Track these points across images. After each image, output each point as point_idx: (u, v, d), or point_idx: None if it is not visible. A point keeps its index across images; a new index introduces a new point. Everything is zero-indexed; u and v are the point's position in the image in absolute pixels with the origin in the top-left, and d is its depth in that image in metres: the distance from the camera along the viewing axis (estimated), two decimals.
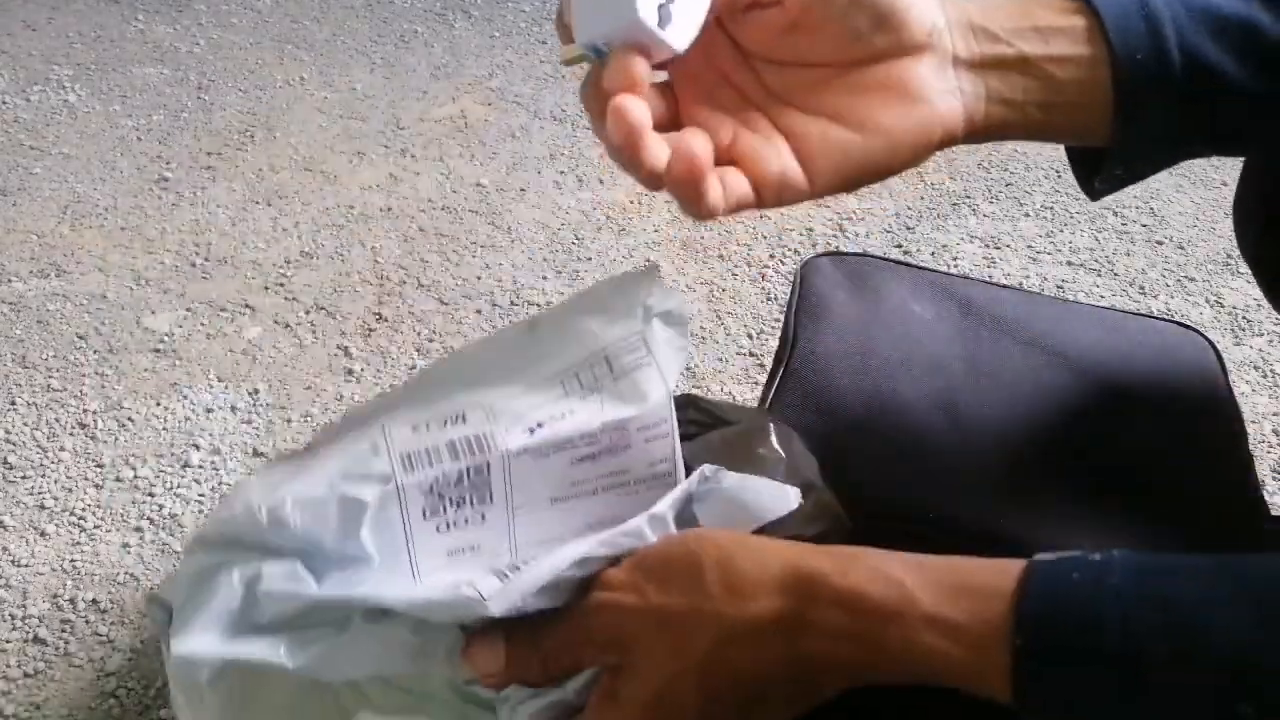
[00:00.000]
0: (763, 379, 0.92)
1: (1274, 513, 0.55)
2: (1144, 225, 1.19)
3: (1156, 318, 0.67)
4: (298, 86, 1.45)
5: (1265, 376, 0.98)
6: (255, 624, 0.41)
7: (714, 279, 1.08)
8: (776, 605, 0.37)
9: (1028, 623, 0.33)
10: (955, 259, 1.13)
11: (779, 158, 0.38)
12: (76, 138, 1.31)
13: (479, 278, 1.07)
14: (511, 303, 1.03)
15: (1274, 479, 0.87)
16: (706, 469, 0.43)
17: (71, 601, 0.72)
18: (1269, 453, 0.90)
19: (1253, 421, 0.92)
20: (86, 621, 0.71)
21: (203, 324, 1.00)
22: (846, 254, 0.71)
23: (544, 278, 1.08)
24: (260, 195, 1.20)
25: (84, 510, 0.79)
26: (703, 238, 1.15)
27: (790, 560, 0.38)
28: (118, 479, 0.82)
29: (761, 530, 0.43)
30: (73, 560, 0.75)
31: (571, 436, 0.44)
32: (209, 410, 0.89)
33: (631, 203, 1.21)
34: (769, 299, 1.05)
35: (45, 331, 0.98)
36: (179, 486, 0.81)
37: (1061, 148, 0.46)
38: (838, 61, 0.38)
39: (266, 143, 1.31)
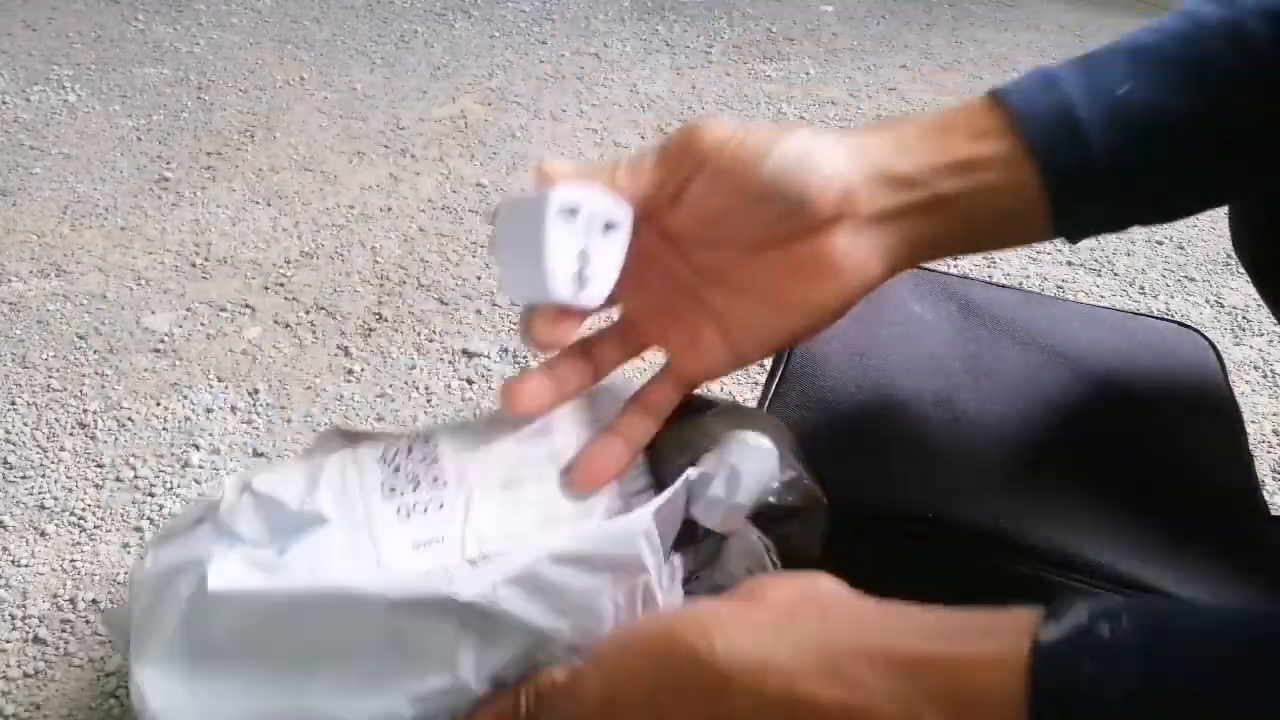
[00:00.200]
0: (763, 379, 0.92)
1: (1274, 513, 0.55)
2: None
3: (1156, 318, 0.67)
4: (298, 86, 1.45)
5: (1265, 376, 0.98)
6: (211, 644, 0.39)
7: None
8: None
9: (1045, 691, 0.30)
10: (955, 259, 1.12)
11: (706, 346, 0.43)
12: (76, 138, 1.31)
13: (479, 278, 1.07)
14: (511, 303, 1.03)
15: (1274, 479, 0.87)
16: (692, 472, 0.41)
17: (71, 601, 0.72)
18: (1269, 453, 0.90)
19: (1253, 421, 0.92)
20: (86, 621, 0.71)
21: (203, 324, 1.00)
22: None
23: None
24: (260, 195, 1.20)
25: (84, 510, 0.79)
26: None
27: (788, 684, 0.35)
28: (118, 479, 0.82)
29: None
30: (73, 560, 0.75)
31: (505, 419, 0.44)
32: (209, 410, 0.89)
33: None
34: None
35: (45, 331, 0.98)
36: (179, 486, 0.82)
37: None
38: (759, 243, 0.40)
39: (266, 143, 1.31)
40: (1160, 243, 1.16)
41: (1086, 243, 1.15)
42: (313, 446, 0.59)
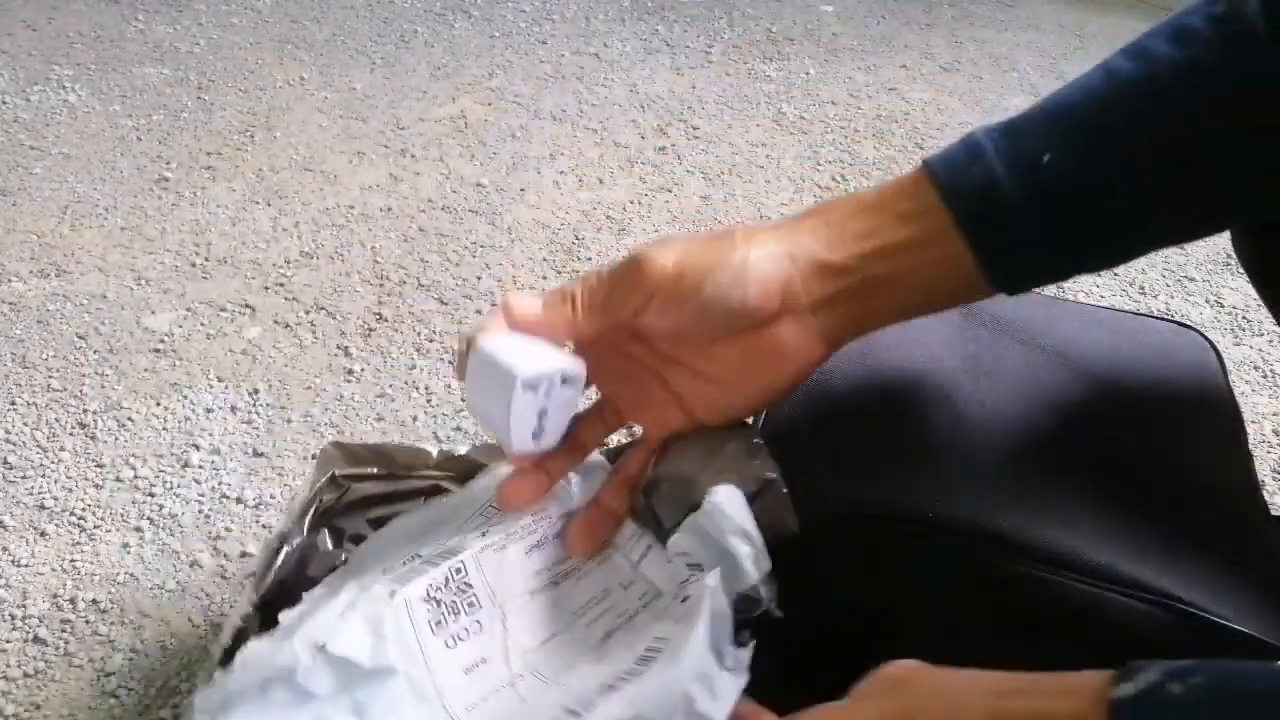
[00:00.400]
0: None
1: (1274, 513, 0.55)
2: None
3: (1156, 318, 0.67)
4: (298, 86, 1.45)
5: (1265, 376, 0.98)
6: None
7: None
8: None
9: None
10: None
11: (672, 417, 0.48)
12: (76, 138, 1.31)
13: (479, 278, 1.07)
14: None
15: (1274, 479, 0.87)
16: (710, 581, 0.44)
17: (71, 601, 0.72)
18: (1269, 453, 0.90)
19: (1253, 421, 0.92)
20: (86, 621, 0.71)
21: (203, 324, 1.00)
22: None
23: (544, 278, 1.08)
24: (260, 195, 1.20)
25: (84, 510, 0.79)
26: None
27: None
28: (118, 479, 0.82)
29: None
30: (73, 560, 0.75)
31: (515, 529, 0.49)
32: (209, 410, 0.89)
33: (631, 203, 1.21)
34: None
35: (45, 331, 0.98)
36: (179, 486, 0.82)
37: None
38: (715, 340, 0.45)
39: (266, 143, 1.31)
40: None
41: None
42: (313, 472, 0.60)
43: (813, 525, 0.48)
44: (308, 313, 1.02)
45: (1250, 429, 0.70)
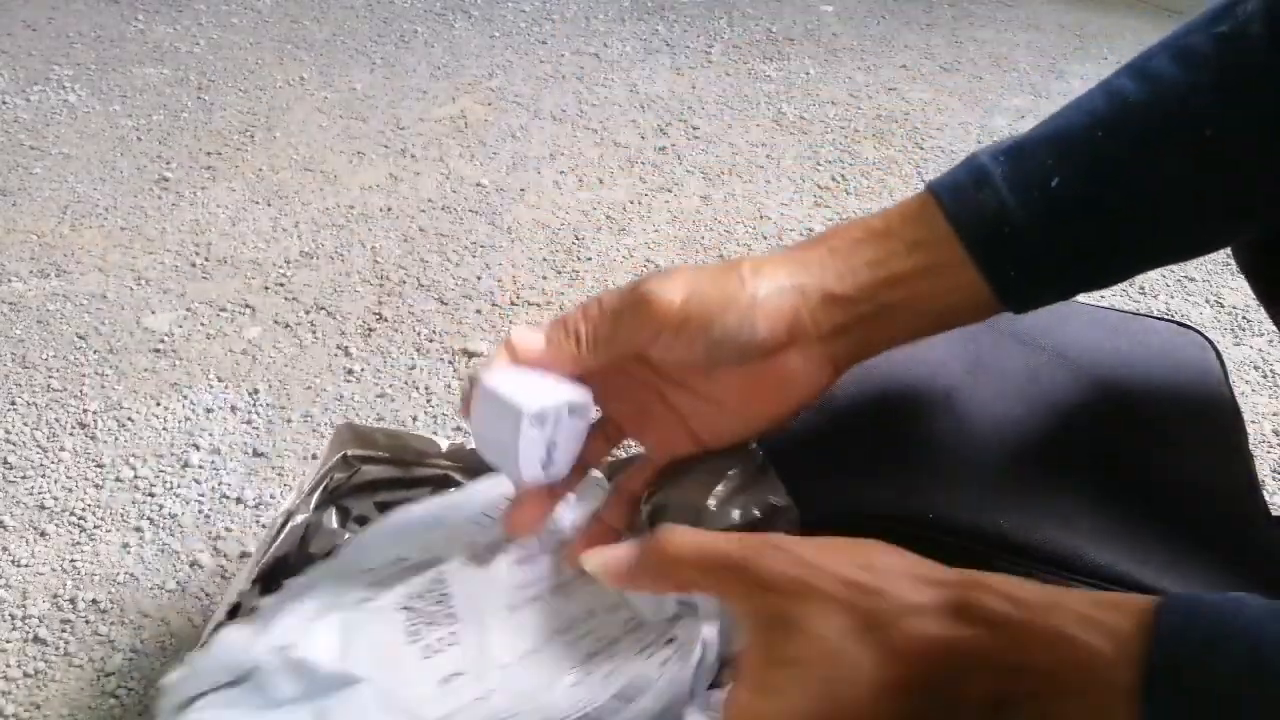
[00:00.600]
0: None
1: (1274, 513, 0.55)
2: None
3: (1156, 318, 0.67)
4: (298, 86, 1.45)
5: (1265, 376, 0.98)
6: None
7: None
8: (943, 592, 0.35)
9: (1168, 618, 0.32)
10: None
11: (675, 439, 0.48)
12: (76, 138, 1.31)
13: (479, 278, 1.07)
14: (511, 302, 1.03)
15: (1274, 479, 0.87)
16: (707, 630, 0.44)
17: (71, 601, 0.72)
18: (1269, 453, 0.90)
19: (1253, 421, 0.92)
20: (86, 621, 0.71)
21: (203, 324, 1.00)
22: None
23: (544, 278, 1.08)
24: (260, 195, 1.20)
25: (84, 510, 0.79)
26: (703, 238, 1.15)
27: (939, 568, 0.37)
28: (118, 479, 0.82)
29: None
30: (73, 560, 0.75)
31: (504, 541, 0.48)
32: (209, 410, 0.89)
33: (631, 203, 1.21)
34: None
35: (45, 331, 0.98)
36: (179, 486, 0.82)
37: None
38: (723, 370, 0.45)
39: (266, 143, 1.31)
40: None
41: None
42: (326, 450, 0.59)
43: (813, 526, 0.48)
44: (308, 313, 1.02)
45: (1250, 429, 0.70)
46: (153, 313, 1.01)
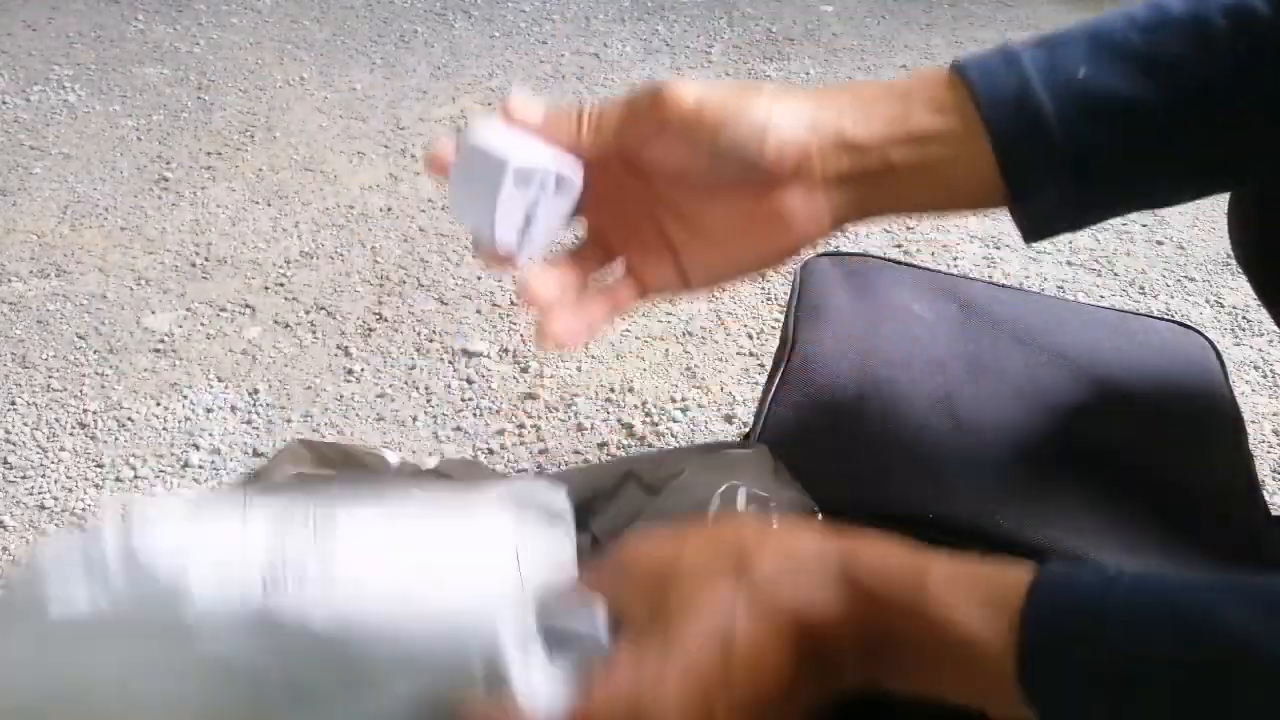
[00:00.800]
0: (763, 379, 0.92)
1: (1274, 513, 0.55)
2: (1144, 225, 1.19)
3: (1156, 318, 0.67)
4: (298, 86, 1.45)
5: (1265, 376, 0.98)
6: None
7: None
8: (829, 543, 0.39)
9: (1040, 592, 0.34)
10: (955, 259, 1.12)
11: (660, 270, 0.45)
12: (76, 138, 1.31)
13: (479, 278, 1.07)
14: (511, 302, 1.03)
15: (1274, 479, 0.87)
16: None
17: None
18: (1269, 453, 0.90)
19: (1253, 421, 0.92)
20: None
21: (203, 324, 1.00)
22: (846, 254, 0.71)
23: None
24: (260, 195, 1.20)
25: (84, 510, 0.79)
26: None
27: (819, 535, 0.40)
28: (118, 479, 0.82)
29: None
30: None
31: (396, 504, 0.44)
32: (209, 410, 0.89)
33: None
34: (769, 299, 1.05)
35: (45, 331, 0.98)
36: (179, 486, 0.82)
37: None
38: (717, 192, 0.43)
39: (266, 143, 1.31)
40: (1160, 243, 1.16)
41: (1086, 242, 1.15)
42: (272, 460, 0.56)
43: None
44: (308, 313, 1.02)
45: (1250, 429, 0.70)
46: (153, 313, 1.01)
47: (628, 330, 1.00)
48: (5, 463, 0.83)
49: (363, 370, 0.94)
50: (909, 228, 1.17)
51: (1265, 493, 0.57)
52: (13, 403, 0.89)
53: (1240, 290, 1.09)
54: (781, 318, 0.68)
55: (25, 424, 0.87)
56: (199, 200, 1.19)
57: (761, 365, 0.96)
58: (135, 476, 0.82)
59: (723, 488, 0.48)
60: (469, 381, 0.93)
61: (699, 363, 0.96)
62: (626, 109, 0.42)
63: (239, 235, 1.13)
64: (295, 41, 1.57)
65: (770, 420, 0.57)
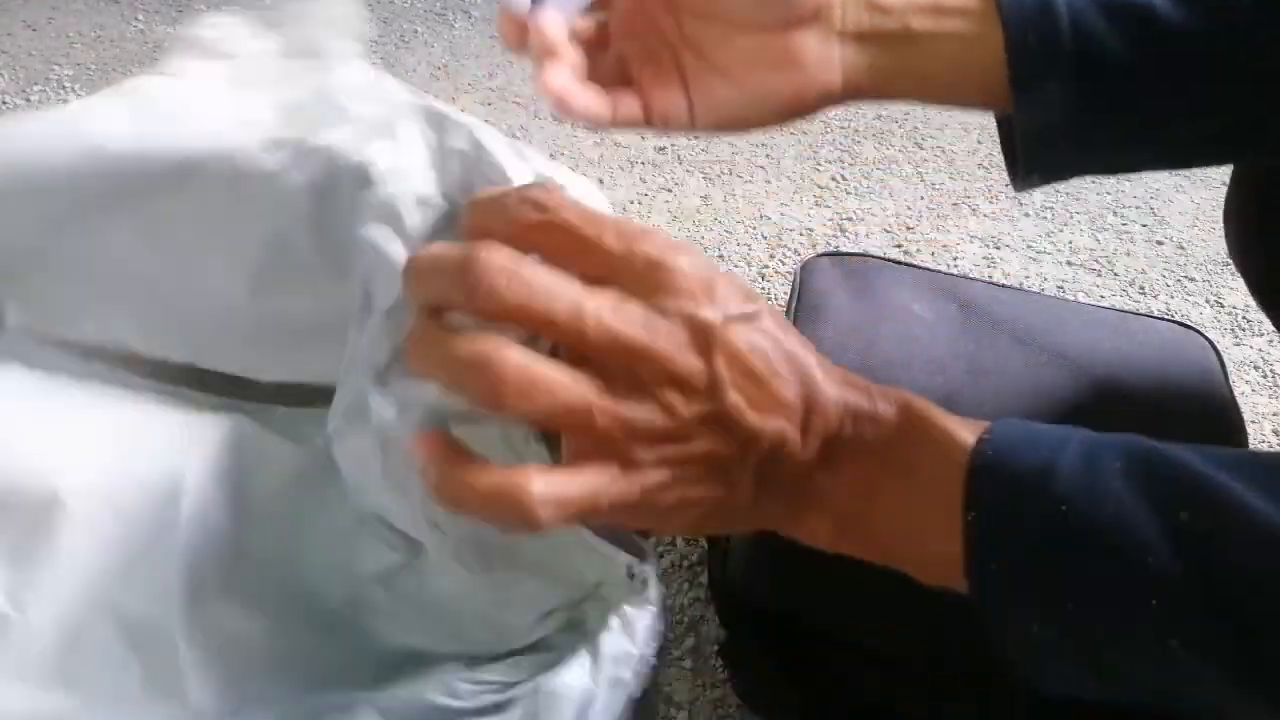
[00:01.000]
0: None
1: None
2: (1144, 225, 1.19)
3: (1156, 318, 0.68)
4: None
5: (1265, 376, 0.98)
6: None
7: None
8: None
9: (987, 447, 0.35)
10: (955, 259, 1.13)
11: (670, 98, 0.45)
12: None
13: None
14: None
15: None
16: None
17: None
18: None
19: (1253, 421, 0.92)
20: None
21: None
22: (846, 254, 0.71)
23: None
24: None
25: None
26: (703, 238, 1.15)
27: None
28: None
29: None
30: None
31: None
32: None
33: (631, 202, 1.21)
34: (769, 299, 1.05)
35: None
36: None
37: None
38: (738, 24, 0.44)
39: None
40: (1160, 243, 1.16)
41: (1086, 243, 1.15)
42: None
43: None
44: None
45: (1250, 429, 0.70)
46: None
47: None
48: None
49: None
50: (909, 228, 1.17)
51: None
52: None
53: (1240, 290, 1.09)
54: None
55: None
56: None
57: None
58: None
59: None
60: None
61: None
62: None
63: None
64: None
65: None
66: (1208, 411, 0.59)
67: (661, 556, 0.72)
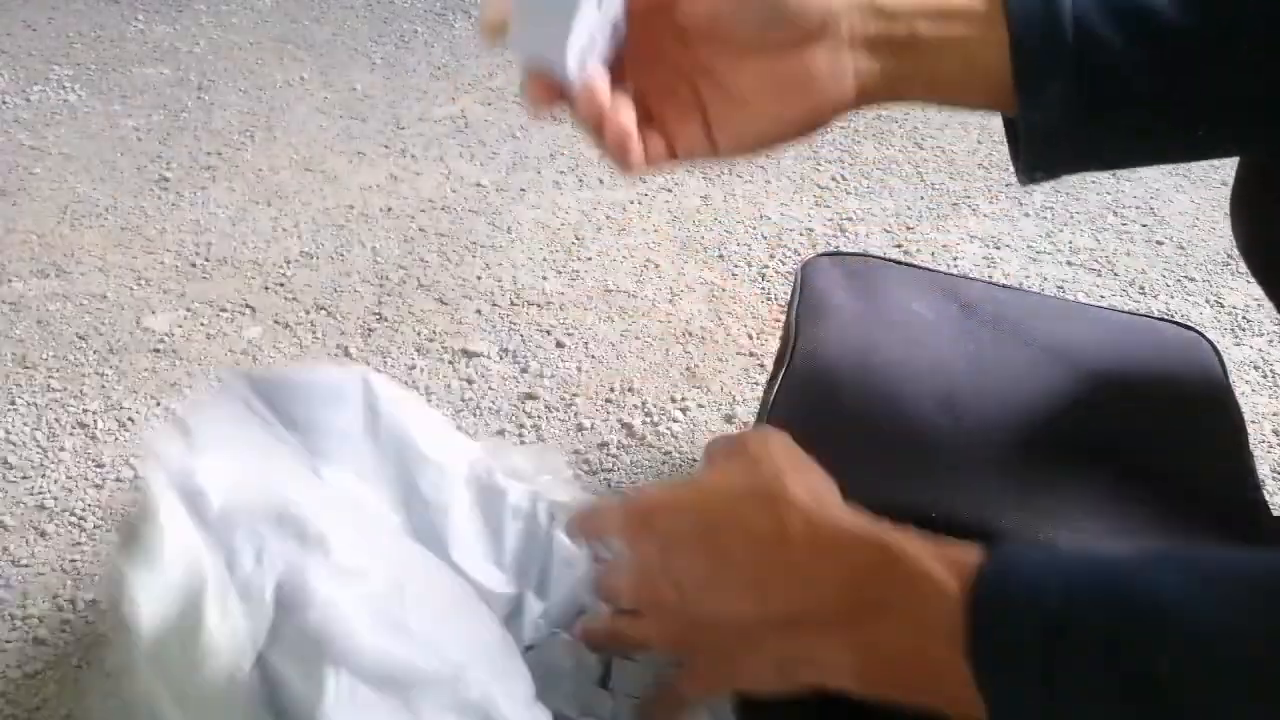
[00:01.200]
0: (763, 379, 0.92)
1: (1274, 513, 0.55)
2: (1144, 225, 1.19)
3: (1156, 318, 0.68)
4: (298, 86, 1.45)
5: (1265, 376, 0.98)
6: None
7: (714, 279, 1.08)
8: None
9: (993, 559, 0.38)
10: (955, 259, 1.13)
11: (692, 132, 0.46)
12: (76, 138, 1.31)
13: (479, 278, 1.07)
14: (511, 302, 1.03)
15: (1274, 479, 0.87)
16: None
17: (71, 602, 0.72)
18: (1269, 453, 0.90)
19: (1253, 421, 0.92)
20: (87, 621, 0.71)
21: (203, 324, 1.00)
22: (847, 254, 0.71)
23: (544, 278, 1.08)
24: (260, 195, 1.20)
25: (84, 510, 0.79)
26: (703, 238, 1.15)
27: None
28: (118, 479, 0.82)
29: None
30: (73, 560, 0.75)
31: None
32: None
33: (632, 203, 1.21)
34: (769, 299, 1.05)
35: (45, 331, 0.98)
36: None
37: None
38: (748, 49, 0.44)
39: (266, 143, 1.31)
40: (1160, 243, 1.16)
41: (1086, 243, 1.15)
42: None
43: None
44: (308, 313, 1.02)
45: (1250, 429, 0.70)
46: (153, 313, 1.01)
47: (627, 330, 1.00)
48: (5, 463, 0.83)
49: None
50: (909, 228, 1.17)
51: (1265, 493, 0.57)
52: (13, 403, 0.89)
53: (1240, 290, 1.09)
54: (782, 317, 0.68)
55: (25, 424, 0.87)
56: (199, 200, 1.19)
57: (762, 365, 0.96)
58: (135, 476, 0.82)
59: None
60: (469, 381, 0.93)
61: (699, 363, 0.97)
62: None
63: (239, 235, 1.13)
64: (295, 41, 1.57)
65: (771, 420, 0.57)
66: (1208, 411, 0.59)
67: None
